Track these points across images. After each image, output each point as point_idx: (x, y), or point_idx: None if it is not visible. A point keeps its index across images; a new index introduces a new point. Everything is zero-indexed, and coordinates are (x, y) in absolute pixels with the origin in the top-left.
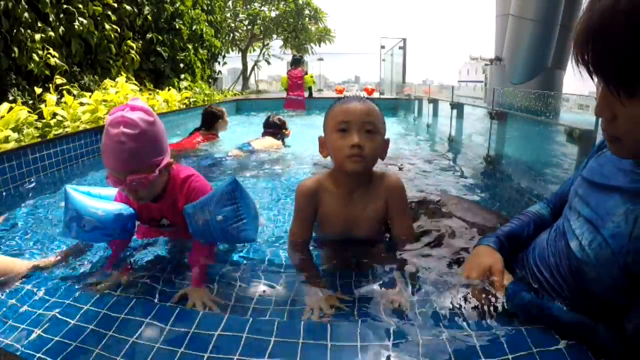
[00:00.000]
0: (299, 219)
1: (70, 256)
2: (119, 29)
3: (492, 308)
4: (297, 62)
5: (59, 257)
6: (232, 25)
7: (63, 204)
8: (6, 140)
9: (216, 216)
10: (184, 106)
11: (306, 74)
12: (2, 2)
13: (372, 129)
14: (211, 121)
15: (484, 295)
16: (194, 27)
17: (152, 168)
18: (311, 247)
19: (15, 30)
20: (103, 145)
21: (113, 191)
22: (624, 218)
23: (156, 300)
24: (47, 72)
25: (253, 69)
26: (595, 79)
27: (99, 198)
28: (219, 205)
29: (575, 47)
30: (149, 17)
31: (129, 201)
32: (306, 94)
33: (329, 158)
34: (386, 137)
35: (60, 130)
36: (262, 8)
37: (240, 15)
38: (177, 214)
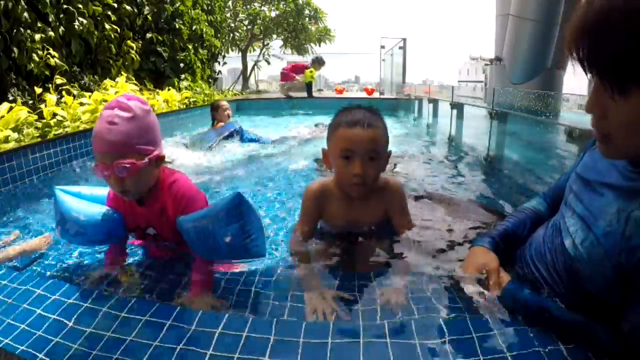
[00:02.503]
0: (305, 219)
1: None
2: (119, 29)
3: (489, 306)
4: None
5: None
6: (232, 25)
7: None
8: (6, 140)
9: (224, 237)
10: (184, 106)
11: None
12: (2, 2)
13: (375, 156)
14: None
15: (481, 294)
16: (194, 27)
17: (141, 156)
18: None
19: (15, 30)
20: (95, 129)
21: (105, 191)
22: (616, 217)
23: (156, 300)
24: (47, 72)
25: (253, 69)
26: (589, 75)
27: (89, 200)
28: (223, 223)
29: (571, 42)
30: (149, 17)
31: (118, 205)
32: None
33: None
34: (389, 149)
35: (60, 130)
36: (262, 8)
37: (240, 15)
38: (164, 223)
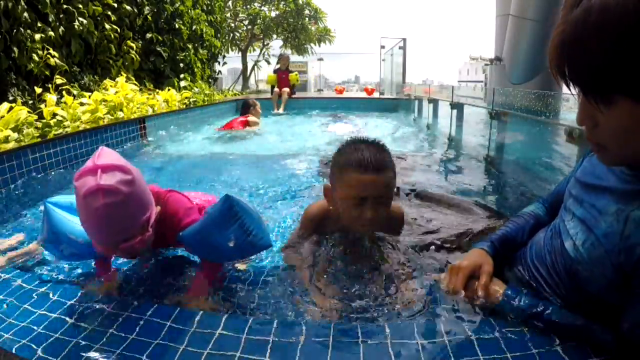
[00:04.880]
0: (301, 234)
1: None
2: (119, 29)
3: (487, 309)
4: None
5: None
6: (232, 25)
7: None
8: (6, 140)
9: (227, 242)
10: (184, 106)
11: (290, 72)
12: (2, 2)
13: (385, 201)
14: (245, 109)
15: (480, 296)
16: (194, 27)
17: (144, 227)
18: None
19: (15, 30)
20: (84, 218)
21: None
22: (616, 218)
23: (156, 300)
24: (47, 72)
25: (253, 69)
26: (573, 90)
27: None
28: (222, 228)
29: (552, 59)
30: (149, 17)
31: None
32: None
33: (327, 148)
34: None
35: (60, 130)
36: (262, 8)
37: (240, 15)
38: (164, 242)
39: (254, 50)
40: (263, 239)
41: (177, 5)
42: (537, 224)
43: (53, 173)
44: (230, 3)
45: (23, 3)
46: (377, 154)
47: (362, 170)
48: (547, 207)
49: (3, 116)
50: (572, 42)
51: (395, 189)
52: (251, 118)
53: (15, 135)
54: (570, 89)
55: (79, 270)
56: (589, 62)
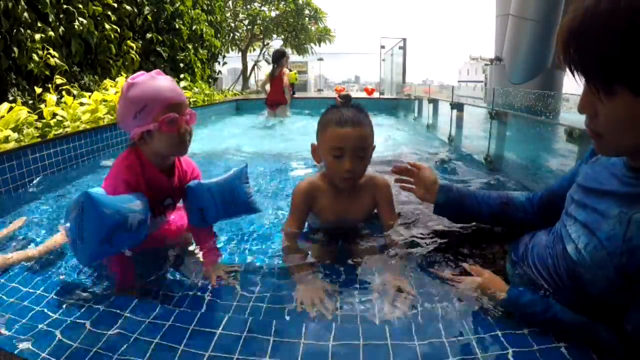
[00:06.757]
0: (295, 215)
1: (47, 252)
2: (119, 29)
3: (490, 308)
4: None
5: (36, 252)
6: (232, 25)
7: (62, 225)
8: (6, 140)
9: (245, 189)
10: None
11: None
12: (2, 2)
13: (363, 154)
14: (278, 58)
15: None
16: (194, 27)
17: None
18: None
19: (15, 30)
20: (158, 88)
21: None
22: (618, 220)
23: (158, 300)
24: (47, 72)
25: (253, 69)
26: (577, 76)
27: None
28: (242, 182)
29: (559, 46)
30: (149, 17)
31: (137, 187)
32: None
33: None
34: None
35: (60, 130)
36: (262, 8)
37: (240, 15)
38: (181, 189)
39: (254, 50)
40: (257, 204)
41: (177, 5)
42: (508, 202)
43: (53, 173)
44: (230, 3)
45: (23, 3)
46: (355, 113)
47: (340, 126)
48: (533, 197)
49: (3, 116)
50: (580, 28)
51: (373, 147)
52: (286, 70)
53: (15, 135)
54: (574, 75)
55: (79, 271)
56: (595, 49)
